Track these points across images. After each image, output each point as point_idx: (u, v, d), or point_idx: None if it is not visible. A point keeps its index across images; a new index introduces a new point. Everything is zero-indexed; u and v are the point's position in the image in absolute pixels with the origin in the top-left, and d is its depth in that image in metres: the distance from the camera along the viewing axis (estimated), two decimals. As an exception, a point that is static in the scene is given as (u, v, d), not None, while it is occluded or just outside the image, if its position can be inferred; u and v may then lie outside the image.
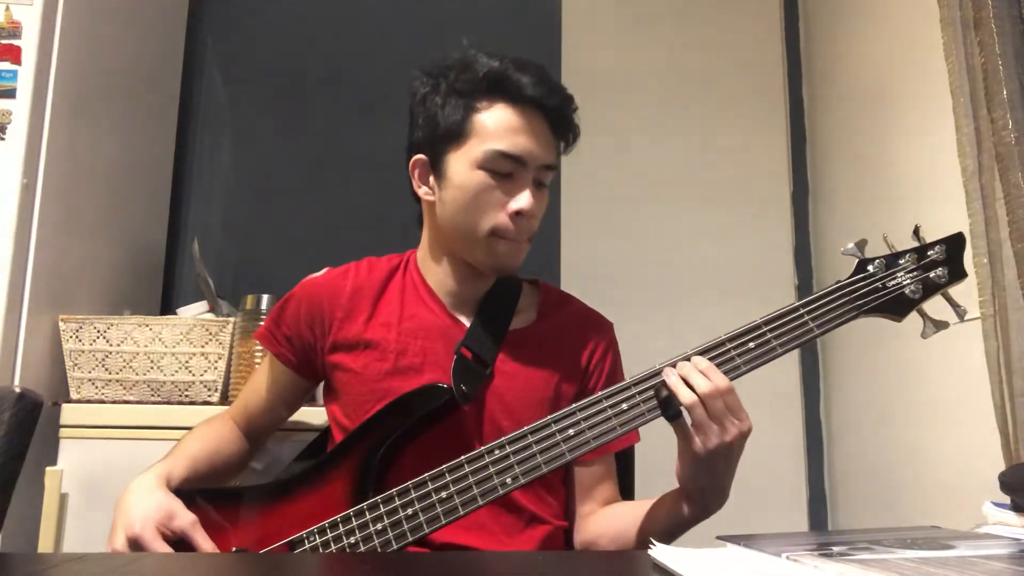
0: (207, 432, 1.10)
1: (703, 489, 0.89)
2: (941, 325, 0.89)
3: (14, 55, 1.40)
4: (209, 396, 1.49)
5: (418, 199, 1.08)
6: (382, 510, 0.88)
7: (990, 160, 1.17)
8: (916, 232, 0.92)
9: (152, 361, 1.48)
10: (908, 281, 0.89)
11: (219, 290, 1.73)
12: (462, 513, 0.86)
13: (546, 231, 1.49)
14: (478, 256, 1.02)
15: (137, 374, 1.48)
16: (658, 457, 1.12)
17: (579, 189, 2.12)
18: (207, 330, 1.49)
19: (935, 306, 0.90)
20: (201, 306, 1.63)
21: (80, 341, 1.48)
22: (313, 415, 1.30)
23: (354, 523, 0.88)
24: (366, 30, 2.22)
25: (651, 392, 0.86)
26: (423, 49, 1.22)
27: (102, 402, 1.46)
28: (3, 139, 1.38)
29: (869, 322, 0.91)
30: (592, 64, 2.21)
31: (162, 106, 2.05)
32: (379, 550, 0.86)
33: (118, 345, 1.48)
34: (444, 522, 0.86)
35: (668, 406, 0.84)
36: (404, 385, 0.99)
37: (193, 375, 1.48)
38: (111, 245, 1.74)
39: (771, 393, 2.03)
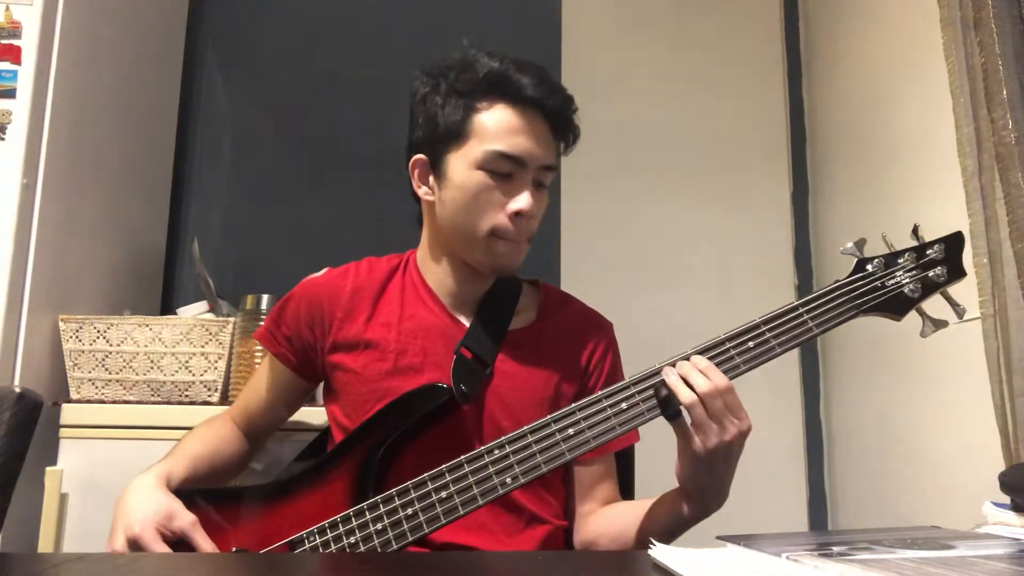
0: (207, 432, 1.10)
1: (703, 488, 0.89)
2: (940, 324, 0.89)
3: (14, 55, 1.40)
4: (209, 396, 1.49)
5: (418, 199, 1.08)
6: (382, 510, 0.88)
7: (990, 160, 1.17)
8: (915, 231, 0.92)
9: (152, 361, 1.48)
10: (907, 280, 0.89)
11: (219, 290, 1.73)
12: (462, 513, 0.86)
13: (546, 231, 1.49)
14: (477, 256, 1.02)
15: (137, 374, 1.48)
16: (658, 457, 1.12)
17: (579, 189, 2.12)
18: (207, 330, 1.49)
19: (934, 305, 0.90)
20: (201, 306, 1.63)
21: (80, 341, 1.48)
22: (313, 415, 1.30)
23: (354, 523, 0.88)
24: (366, 30, 2.22)
25: (650, 391, 0.86)
26: (423, 49, 1.22)
27: (102, 402, 1.46)
28: (3, 139, 1.38)
29: (869, 322, 0.92)
30: (592, 64, 2.21)
31: (162, 106, 2.05)
32: (379, 550, 0.86)
33: (118, 345, 1.48)
34: (444, 522, 0.86)
35: (668, 405, 0.84)
36: (404, 385, 0.99)
37: (193, 375, 1.48)
38: (111, 245, 1.74)
39: (771, 393, 2.04)
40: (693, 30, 2.25)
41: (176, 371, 1.48)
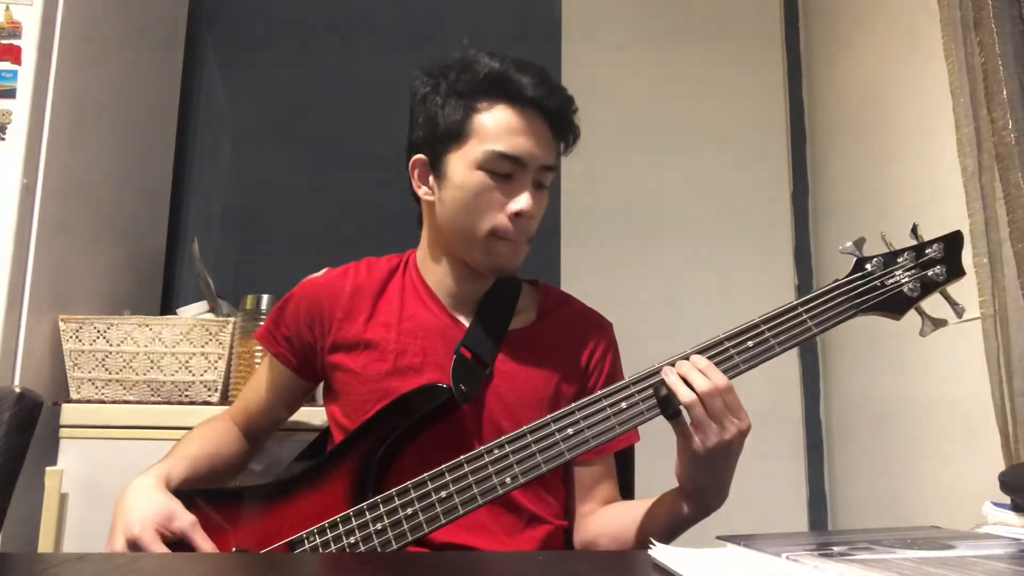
0: (207, 432, 1.10)
1: (703, 488, 0.89)
2: (940, 323, 0.89)
3: (14, 55, 1.40)
4: (209, 396, 1.49)
5: (418, 199, 1.08)
6: (382, 510, 0.88)
7: (990, 160, 1.17)
8: (914, 230, 0.92)
9: (152, 361, 1.48)
10: (906, 279, 0.89)
11: (219, 290, 1.73)
12: (461, 513, 0.86)
13: (546, 231, 1.49)
14: (477, 257, 1.02)
15: (137, 374, 1.48)
16: (658, 457, 1.12)
17: (579, 189, 2.12)
18: (207, 330, 1.49)
19: (934, 304, 0.90)
20: (201, 306, 1.63)
21: (80, 341, 1.48)
22: (313, 415, 1.30)
23: (354, 523, 0.88)
24: (366, 30, 2.22)
25: (650, 391, 0.86)
26: (423, 49, 1.22)
27: (102, 402, 1.46)
28: (3, 139, 1.38)
29: (869, 322, 0.92)
30: (592, 64, 2.21)
31: (162, 106, 2.05)
32: (379, 550, 0.86)
33: (118, 345, 1.48)
34: (444, 522, 0.86)
35: (667, 405, 0.83)
36: (404, 385, 0.99)
37: (193, 375, 1.48)
38: (111, 245, 1.74)
39: (771, 393, 2.04)
40: (693, 30, 2.25)
41: (176, 371, 1.48)
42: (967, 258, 0.93)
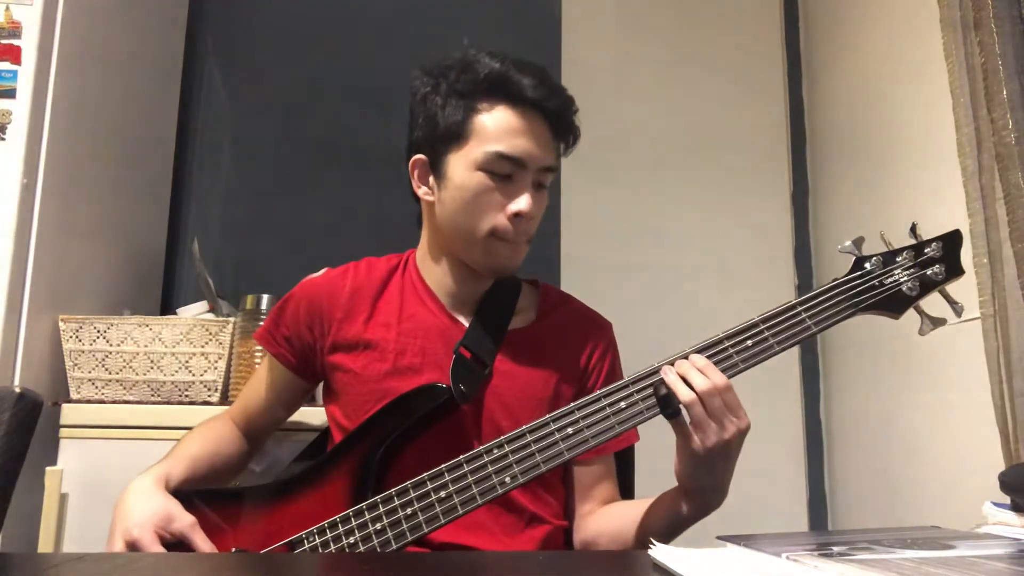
0: (206, 433, 1.10)
1: (702, 487, 0.89)
2: (939, 322, 0.89)
3: (14, 55, 1.40)
4: (209, 396, 1.49)
5: (418, 199, 1.08)
6: (381, 510, 0.88)
7: (990, 160, 1.17)
8: (913, 229, 0.91)
9: (152, 361, 1.48)
10: (905, 278, 0.89)
11: (219, 290, 1.73)
12: (461, 513, 0.86)
13: (546, 231, 1.49)
14: (476, 257, 1.02)
15: (137, 374, 1.48)
16: (658, 457, 1.12)
17: (579, 189, 2.12)
18: (207, 330, 1.49)
19: (933, 303, 0.90)
20: (201, 306, 1.63)
21: (80, 341, 1.48)
22: (313, 415, 1.30)
23: (353, 523, 0.88)
24: (366, 30, 2.22)
25: (649, 390, 0.86)
26: (423, 49, 1.22)
27: (102, 402, 1.46)
28: (3, 139, 1.38)
29: (869, 321, 0.92)
30: (592, 64, 2.21)
31: (162, 106, 2.05)
32: (378, 550, 0.86)
33: (118, 345, 1.48)
34: (443, 522, 0.86)
35: (667, 404, 0.83)
36: (403, 385, 0.99)
37: (193, 375, 1.48)
38: (111, 245, 1.74)
39: (771, 393, 2.04)
40: (693, 30, 2.25)
41: (176, 371, 1.48)
42: (967, 258, 0.92)
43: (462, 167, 0.99)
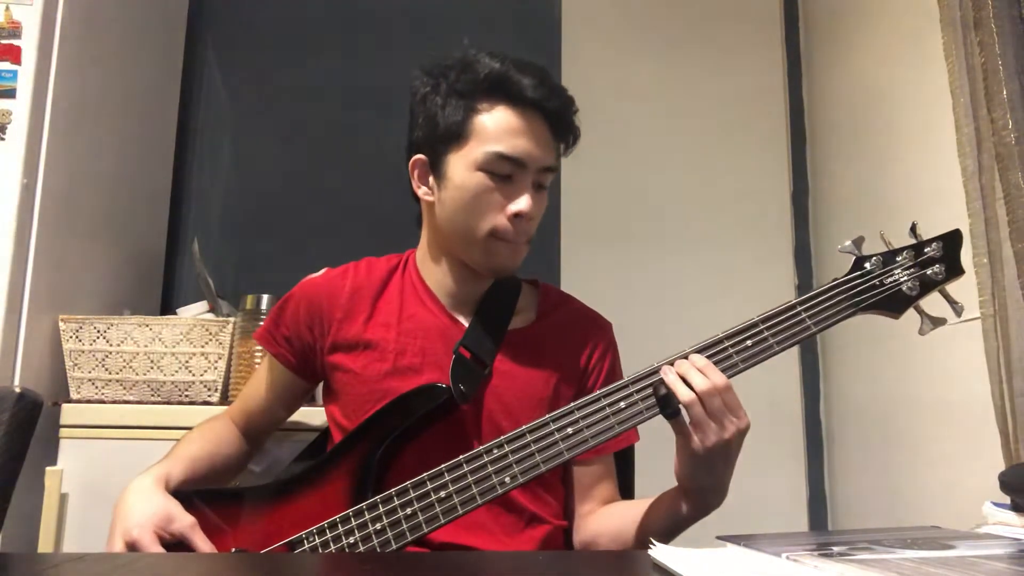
0: (206, 433, 1.10)
1: (702, 487, 0.89)
2: (939, 322, 0.89)
3: (14, 55, 1.40)
4: (209, 396, 1.49)
5: (417, 199, 1.08)
6: (381, 510, 0.88)
7: (990, 160, 1.17)
8: (913, 229, 0.91)
9: (152, 361, 1.48)
10: (905, 278, 0.89)
11: (219, 290, 1.73)
12: (461, 513, 0.86)
13: (546, 232, 1.49)
14: (476, 257, 1.02)
15: (137, 374, 1.48)
16: (658, 457, 1.12)
17: (579, 189, 2.12)
18: (207, 330, 1.49)
19: (933, 303, 0.90)
20: (201, 306, 1.63)
21: (80, 341, 1.48)
22: (313, 415, 1.30)
23: (353, 523, 0.88)
24: (366, 30, 2.22)
25: (649, 390, 0.86)
26: (423, 49, 1.22)
27: (102, 402, 1.46)
28: (3, 139, 1.38)
29: (869, 321, 0.91)
30: (592, 64, 2.21)
31: (162, 106, 2.05)
32: (378, 550, 0.86)
33: (118, 345, 1.48)
34: (443, 522, 0.86)
35: (666, 404, 0.83)
36: (403, 385, 0.99)
37: (193, 375, 1.48)
38: (111, 245, 1.74)
39: (771, 393, 2.04)
40: (693, 30, 2.25)
41: (176, 371, 1.48)
42: (967, 258, 0.92)
43: (462, 167, 0.98)
